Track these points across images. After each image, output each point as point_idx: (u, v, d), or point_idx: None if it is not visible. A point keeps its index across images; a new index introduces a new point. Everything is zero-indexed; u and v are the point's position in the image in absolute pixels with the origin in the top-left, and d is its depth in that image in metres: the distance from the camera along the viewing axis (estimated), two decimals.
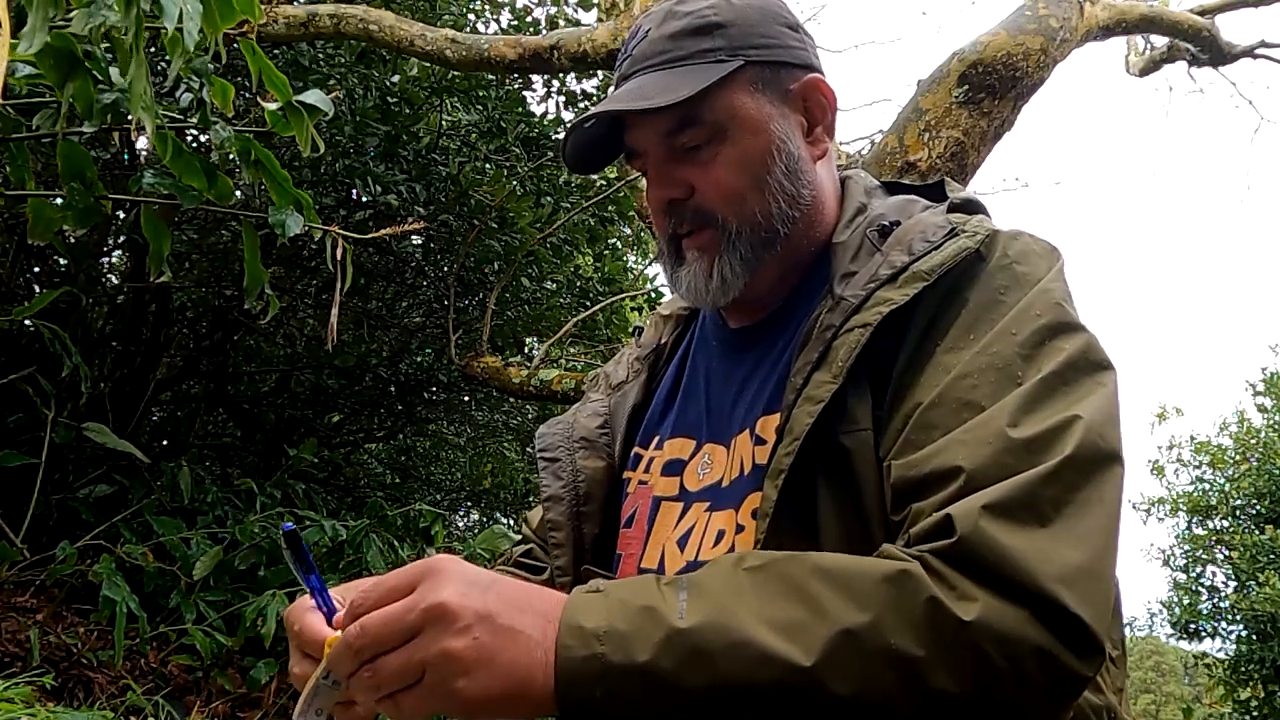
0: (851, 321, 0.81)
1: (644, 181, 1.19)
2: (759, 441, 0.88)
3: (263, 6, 3.39)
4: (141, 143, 3.96)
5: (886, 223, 0.89)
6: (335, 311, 2.18)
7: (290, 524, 0.77)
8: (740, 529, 0.86)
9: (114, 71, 1.81)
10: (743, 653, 0.65)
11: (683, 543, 0.90)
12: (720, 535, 0.88)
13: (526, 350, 5.53)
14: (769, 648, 0.65)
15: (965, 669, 0.65)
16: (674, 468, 0.96)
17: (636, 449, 1.02)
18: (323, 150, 1.96)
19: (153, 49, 2.92)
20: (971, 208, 0.92)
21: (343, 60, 4.37)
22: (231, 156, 1.95)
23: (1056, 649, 0.65)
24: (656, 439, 1.00)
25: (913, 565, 0.68)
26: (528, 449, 6.87)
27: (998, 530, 0.67)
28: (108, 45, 1.73)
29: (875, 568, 0.68)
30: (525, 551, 1.13)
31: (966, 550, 0.67)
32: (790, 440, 0.79)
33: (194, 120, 1.95)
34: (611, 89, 0.95)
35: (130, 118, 1.60)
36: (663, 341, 1.10)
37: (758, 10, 0.92)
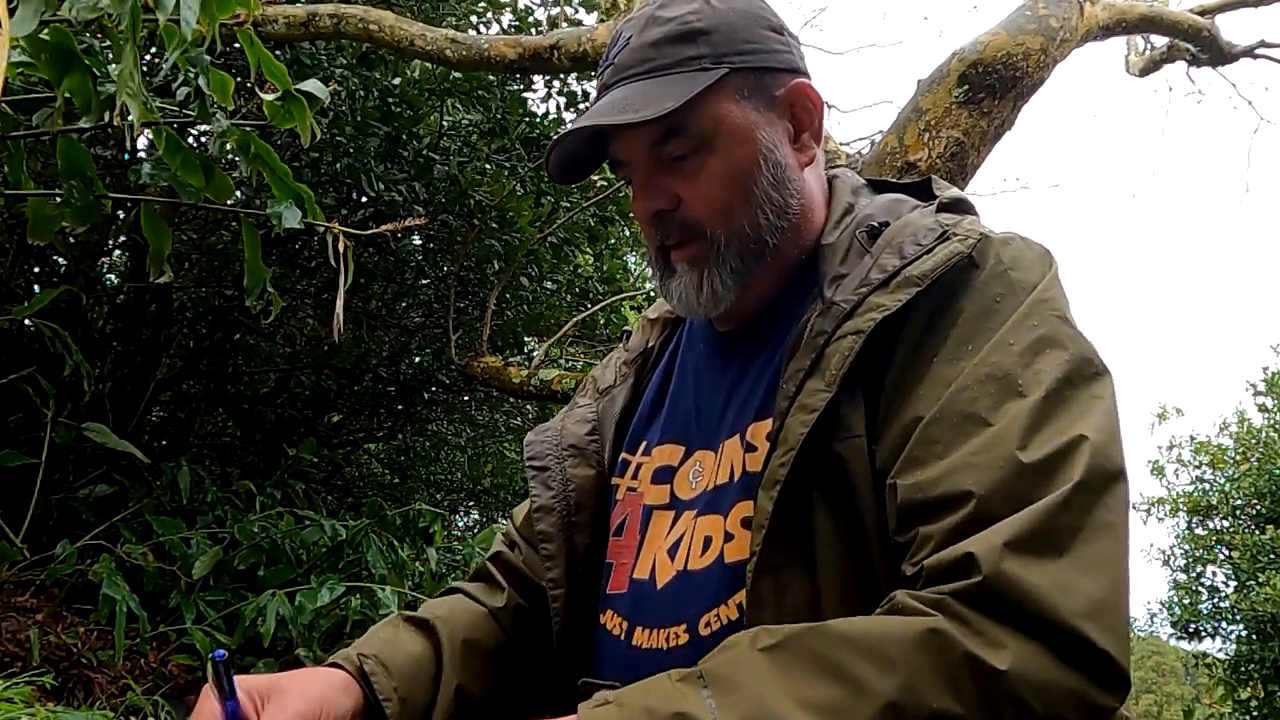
0: (844, 328, 0.80)
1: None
2: (749, 448, 0.87)
3: (260, 4, 3.38)
4: (142, 141, 3.96)
5: (875, 223, 0.88)
6: (340, 305, 2.17)
7: (222, 651, 0.76)
8: (729, 537, 0.85)
9: (113, 69, 1.80)
10: None
11: (673, 551, 0.89)
12: (708, 542, 0.86)
13: (526, 350, 5.52)
14: None
15: (1006, 717, 0.65)
16: (664, 475, 0.95)
17: (624, 455, 1.00)
18: (319, 137, 1.95)
19: (152, 49, 2.92)
20: (960, 207, 0.90)
21: (344, 61, 4.37)
22: (230, 149, 1.94)
23: (1087, 688, 0.66)
24: (644, 444, 0.99)
25: (938, 620, 0.67)
26: None
27: (1020, 568, 0.67)
28: (108, 45, 1.72)
29: (903, 629, 0.67)
30: (495, 556, 1.10)
31: (991, 592, 0.67)
32: (785, 450, 0.78)
33: (193, 114, 1.94)
34: (594, 97, 0.93)
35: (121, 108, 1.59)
36: (650, 345, 1.08)
37: (741, 14, 0.90)
